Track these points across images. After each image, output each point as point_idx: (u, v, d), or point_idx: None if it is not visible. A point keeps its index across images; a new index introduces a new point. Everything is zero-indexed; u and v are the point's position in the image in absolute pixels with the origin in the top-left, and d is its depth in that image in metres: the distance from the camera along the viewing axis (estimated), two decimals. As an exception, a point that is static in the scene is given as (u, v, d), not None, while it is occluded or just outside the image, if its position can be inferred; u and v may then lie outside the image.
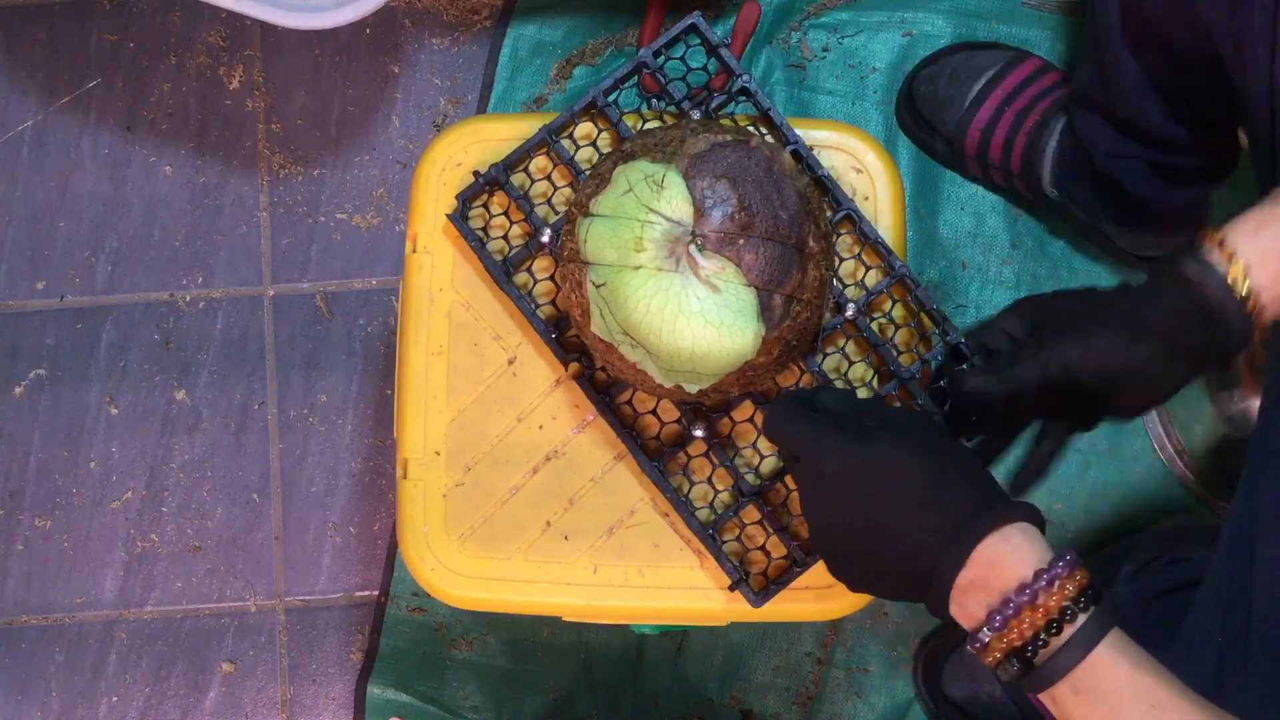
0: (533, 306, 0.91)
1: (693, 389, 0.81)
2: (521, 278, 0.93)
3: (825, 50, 1.36)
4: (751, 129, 0.91)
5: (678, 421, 0.92)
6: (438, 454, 0.93)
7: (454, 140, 0.95)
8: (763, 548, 0.90)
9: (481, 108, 1.37)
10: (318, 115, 1.39)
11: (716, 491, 0.91)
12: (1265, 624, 0.80)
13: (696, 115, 0.92)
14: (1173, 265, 0.76)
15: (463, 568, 0.92)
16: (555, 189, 0.94)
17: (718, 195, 0.78)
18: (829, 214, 0.90)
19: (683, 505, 0.90)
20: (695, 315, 0.78)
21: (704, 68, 0.96)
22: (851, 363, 0.91)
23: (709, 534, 0.89)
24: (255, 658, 1.36)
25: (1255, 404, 1.27)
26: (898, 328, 0.91)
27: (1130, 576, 1.17)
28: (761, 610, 0.91)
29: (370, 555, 1.36)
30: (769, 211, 0.79)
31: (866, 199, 0.94)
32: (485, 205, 0.93)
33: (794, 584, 0.91)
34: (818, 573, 0.91)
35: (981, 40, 1.34)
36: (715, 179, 0.79)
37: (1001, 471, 0.84)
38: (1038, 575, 0.68)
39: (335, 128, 1.39)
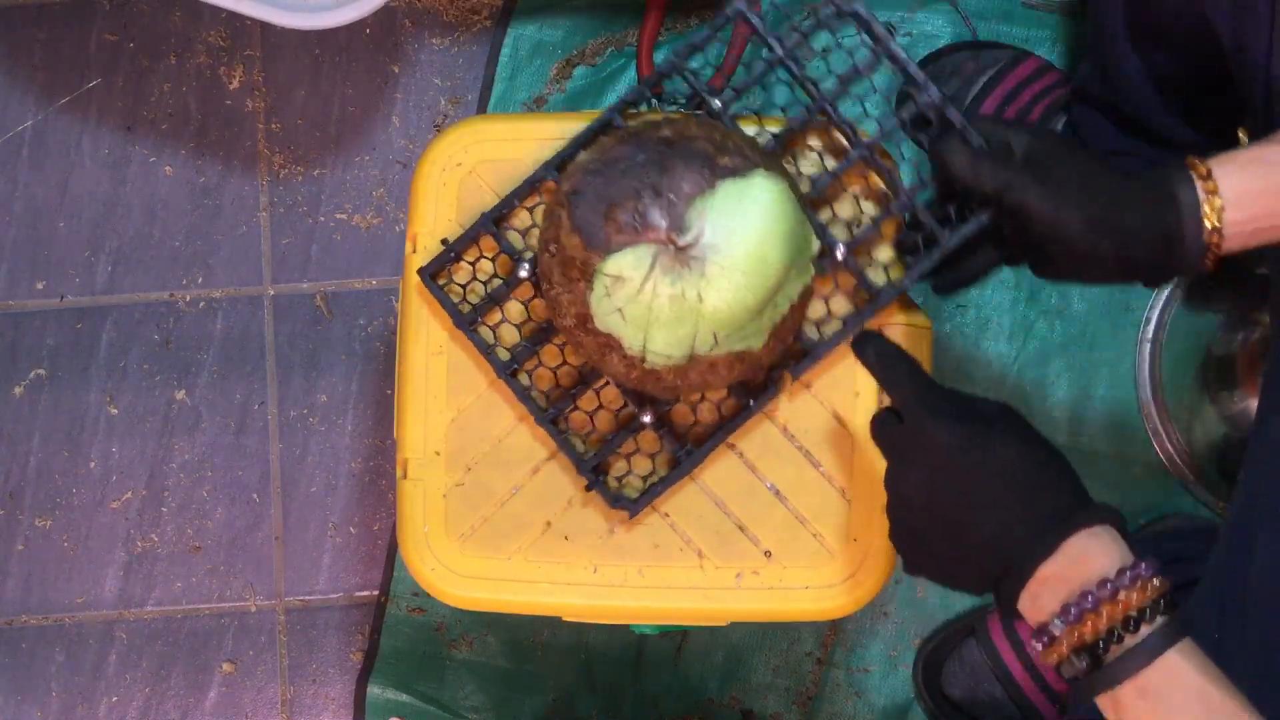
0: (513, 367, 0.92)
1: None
2: (512, 308, 0.93)
3: (825, 50, 1.36)
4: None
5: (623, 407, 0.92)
6: (438, 454, 0.93)
7: (454, 140, 0.95)
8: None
9: (481, 108, 1.37)
10: (318, 115, 1.39)
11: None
12: (1260, 616, 0.81)
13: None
14: (1160, 180, 0.77)
15: (463, 568, 0.92)
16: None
17: (629, 212, 0.79)
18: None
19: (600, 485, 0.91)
20: (737, 234, 0.79)
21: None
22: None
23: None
24: (255, 658, 1.36)
25: (1255, 404, 1.27)
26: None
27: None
28: (761, 610, 0.91)
29: (370, 555, 1.36)
30: (653, 168, 0.80)
31: (867, 199, 0.94)
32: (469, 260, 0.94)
33: (794, 584, 0.91)
34: (818, 573, 0.92)
35: (981, 40, 1.34)
36: (608, 210, 0.80)
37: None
38: (1121, 572, 0.68)
39: (335, 128, 1.39)
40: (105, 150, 1.39)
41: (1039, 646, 0.70)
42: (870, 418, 0.80)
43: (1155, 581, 0.68)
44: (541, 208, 0.91)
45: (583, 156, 0.85)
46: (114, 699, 1.36)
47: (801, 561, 0.92)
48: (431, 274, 0.92)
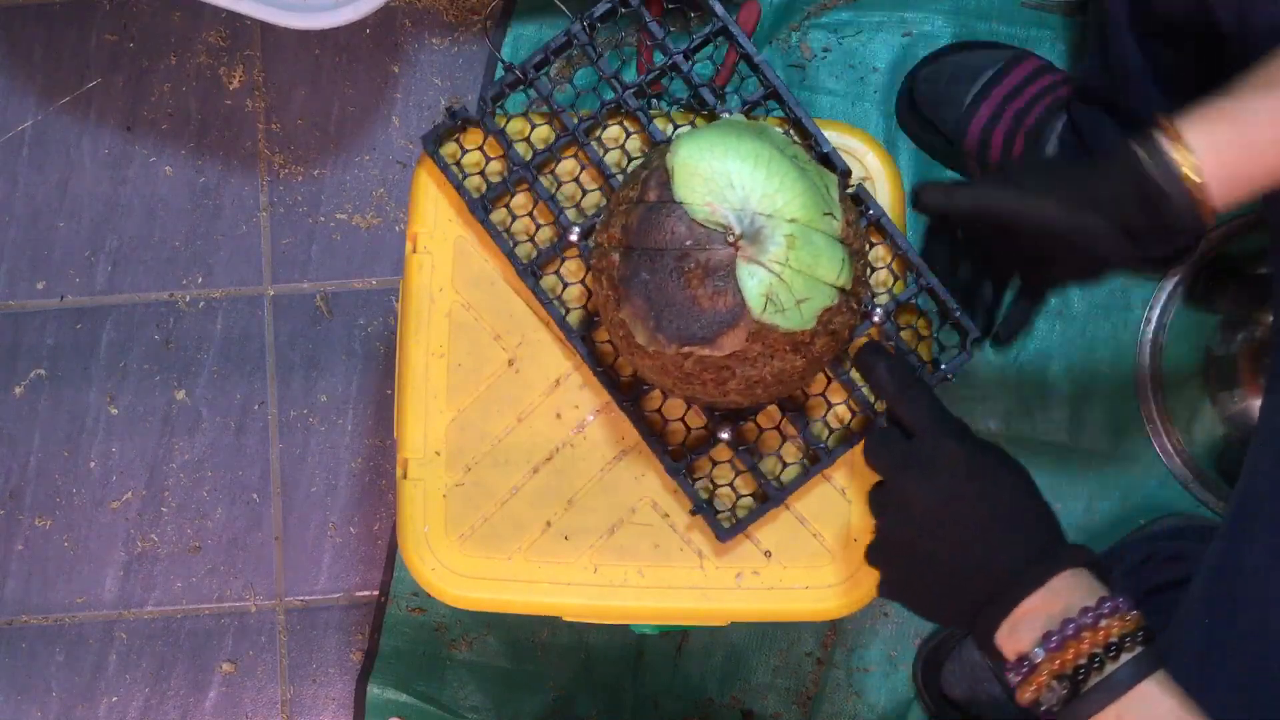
0: (562, 311, 0.91)
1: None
2: (548, 280, 0.92)
3: (825, 50, 1.36)
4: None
5: (703, 427, 0.91)
6: (438, 454, 0.93)
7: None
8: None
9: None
10: (318, 115, 1.39)
11: (739, 495, 0.91)
12: (1250, 607, 0.81)
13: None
14: (1125, 148, 0.76)
15: (463, 568, 0.92)
16: (584, 192, 0.93)
17: (703, 287, 0.79)
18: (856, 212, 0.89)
19: (708, 510, 0.90)
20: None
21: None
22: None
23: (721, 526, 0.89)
24: (255, 658, 1.36)
25: (1256, 404, 1.27)
26: (921, 337, 0.91)
27: (1126, 573, 1.18)
28: (761, 610, 0.91)
29: (370, 555, 1.36)
30: (656, 261, 0.80)
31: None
32: (508, 205, 0.93)
33: (794, 584, 0.91)
34: (818, 573, 0.92)
35: (981, 40, 1.34)
36: (694, 310, 0.79)
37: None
38: (1101, 602, 0.70)
39: (335, 128, 1.39)
40: (105, 150, 1.39)
41: (1016, 679, 0.71)
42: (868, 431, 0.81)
43: (1133, 614, 0.70)
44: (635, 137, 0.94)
45: (640, 336, 0.82)
46: (114, 699, 1.36)
47: (801, 561, 0.92)
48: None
